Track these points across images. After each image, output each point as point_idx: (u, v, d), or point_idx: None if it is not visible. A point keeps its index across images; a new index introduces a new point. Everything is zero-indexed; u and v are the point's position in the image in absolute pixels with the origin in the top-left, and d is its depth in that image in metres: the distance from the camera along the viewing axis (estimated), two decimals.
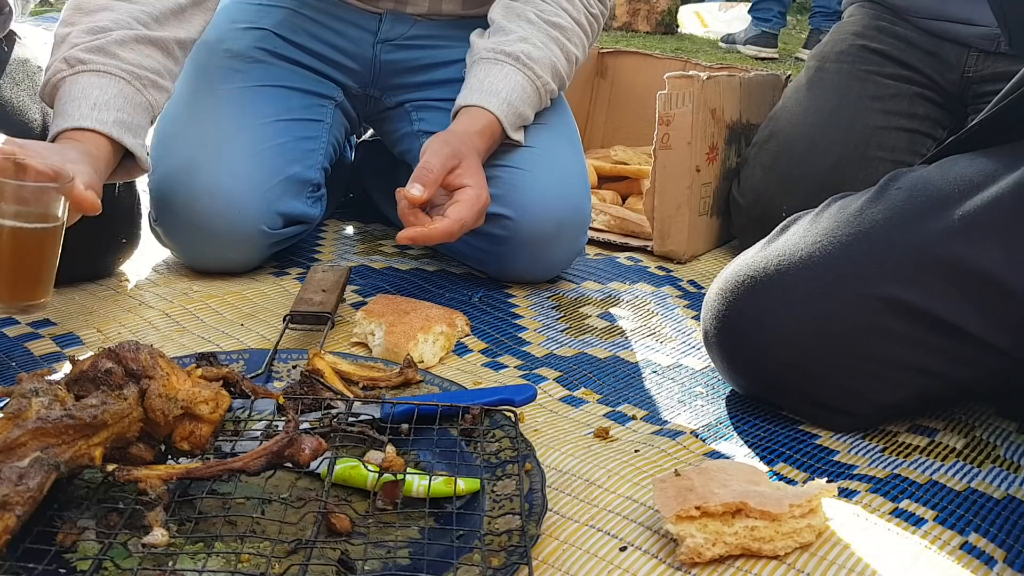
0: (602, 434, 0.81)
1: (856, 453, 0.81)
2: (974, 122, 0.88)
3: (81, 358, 0.85)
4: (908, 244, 0.80)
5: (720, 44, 4.06)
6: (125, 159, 0.94)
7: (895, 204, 0.83)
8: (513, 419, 0.75)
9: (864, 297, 0.80)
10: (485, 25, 1.15)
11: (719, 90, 1.38)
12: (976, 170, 0.82)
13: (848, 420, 0.85)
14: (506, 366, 0.96)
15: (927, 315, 0.78)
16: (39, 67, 1.09)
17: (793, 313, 0.83)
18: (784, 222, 0.91)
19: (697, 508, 0.61)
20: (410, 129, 1.27)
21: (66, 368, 0.85)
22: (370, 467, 0.68)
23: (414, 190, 0.95)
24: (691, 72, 1.33)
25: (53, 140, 0.89)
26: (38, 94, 0.97)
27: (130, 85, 0.93)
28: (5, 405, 0.63)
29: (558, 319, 1.10)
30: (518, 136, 1.10)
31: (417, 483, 0.68)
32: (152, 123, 0.99)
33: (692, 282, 1.28)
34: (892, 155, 1.32)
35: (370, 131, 1.51)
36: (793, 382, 0.85)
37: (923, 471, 0.79)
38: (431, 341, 0.96)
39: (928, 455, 0.82)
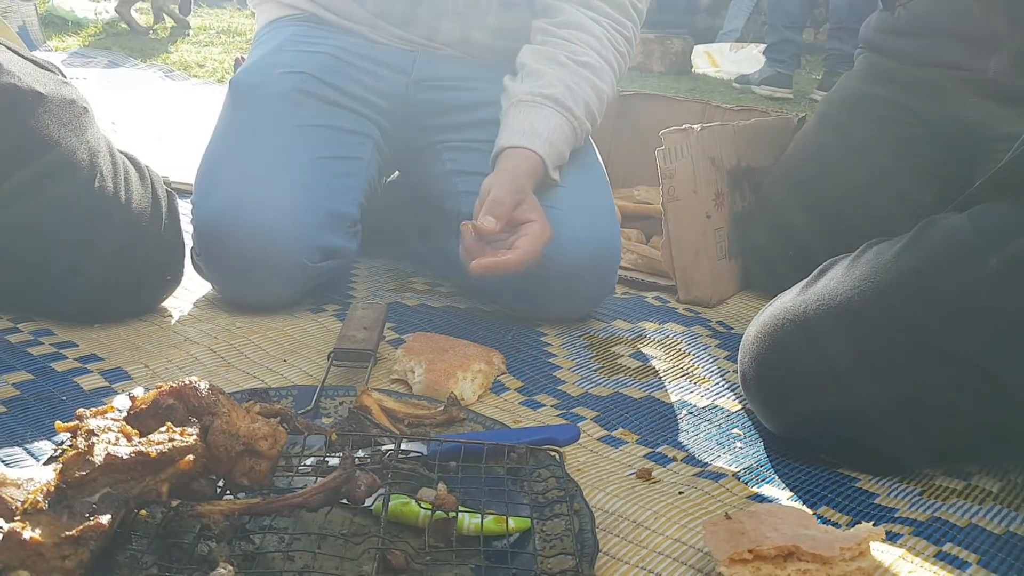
0: (645, 475, 0.82)
1: (896, 496, 0.82)
2: (996, 168, 0.89)
3: (134, 392, 0.87)
4: (944, 291, 0.81)
5: (734, 84, 4.11)
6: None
7: (930, 252, 0.84)
8: (558, 459, 0.77)
9: (901, 343, 0.82)
10: (514, 66, 1.18)
11: (714, 139, 1.42)
12: (1008, 220, 0.83)
13: (885, 464, 0.86)
14: (543, 405, 0.98)
15: (964, 361, 0.80)
16: (84, 108, 1.11)
17: (832, 358, 0.85)
18: (821, 267, 0.93)
19: (750, 551, 0.62)
20: (442, 169, 1.30)
21: (119, 402, 0.87)
22: (423, 504, 0.69)
23: (487, 222, 0.99)
24: (685, 126, 1.37)
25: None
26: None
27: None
28: (73, 441, 0.64)
29: (591, 358, 1.12)
30: (556, 176, 1.13)
31: (468, 521, 0.69)
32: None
33: (721, 323, 1.30)
34: (897, 195, 1.35)
35: (396, 172, 1.53)
36: (832, 426, 0.86)
37: (962, 514, 0.79)
38: (470, 379, 0.97)
39: (966, 498, 0.83)
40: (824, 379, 0.85)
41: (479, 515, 0.69)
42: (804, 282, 0.92)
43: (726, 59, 4.90)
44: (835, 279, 0.88)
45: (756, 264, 1.42)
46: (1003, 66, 1.28)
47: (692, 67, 4.72)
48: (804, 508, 0.79)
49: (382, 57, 1.26)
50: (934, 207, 1.34)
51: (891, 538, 0.74)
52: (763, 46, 4.05)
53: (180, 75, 3.59)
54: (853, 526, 0.75)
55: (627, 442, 0.91)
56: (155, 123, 2.52)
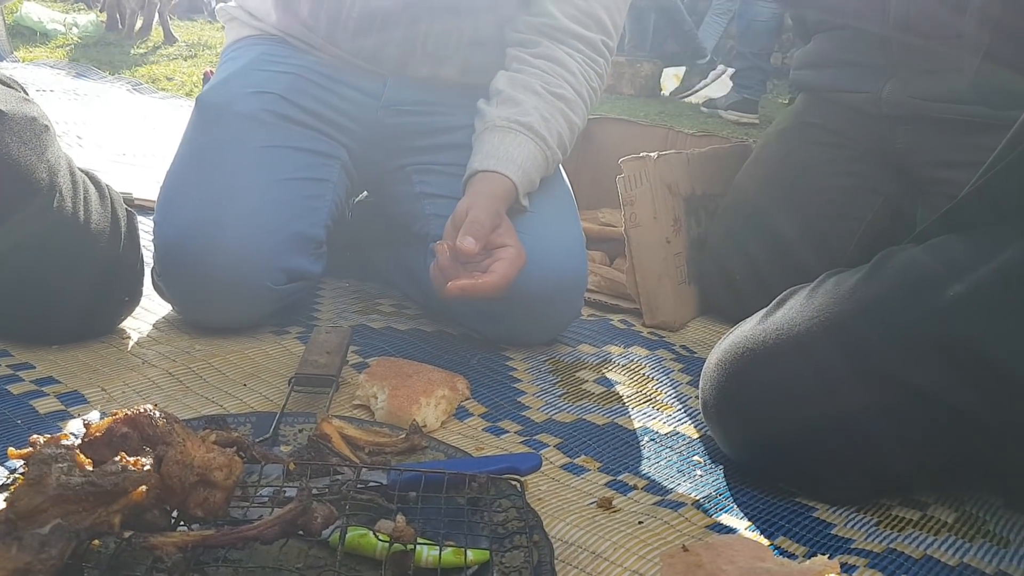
0: (605, 504, 0.82)
1: (852, 527, 0.83)
2: (952, 203, 0.91)
3: (88, 417, 0.85)
4: (902, 323, 0.82)
5: (702, 108, 4.16)
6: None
7: (888, 283, 0.86)
8: (519, 488, 0.77)
9: (859, 374, 0.83)
10: (485, 93, 1.18)
11: (670, 167, 1.45)
12: (966, 252, 0.85)
13: (843, 493, 0.87)
14: (507, 431, 0.98)
15: (920, 392, 0.81)
16: (46, 126, 1.10)
17: (790, 387, 0.86)
18: (780, 296, 0.94)
19: None
20: (410, 191, 1.30)
21: (74, 426, 0.86)
22: (380, 536, 0.69)
23: (467, 242, 0.99)
24: (642, 154, 1.40)
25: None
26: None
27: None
28: (26, 471, 0.63)
29: (556, 383, 1.12)
30: (526, 202, 1.13)
31: (426, 553, 0.68)
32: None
33: (685, 347, 1.31)
34: (837, 211, 1.39)
35: (364, 192, 1.53)
36: (789, 455, 0.87)
37: (917, 546, 0.80)
38: (433, 405, 0.97)
39: (921, 529, 0.84)
40: (782, 408, 0.86)
41: (437, 547, 0.68)
42: (764, 311, 0.93)
43: None
44: (794, 309, 0.89)
45: (712, 289, 1.45)
46: (896, 91, 1.33)
47: (661, 90, 4.76)
48: (762, 539, 0.80)
49: (352, 80, 1.26)
50: (877, 224, 1.38)
51: (847, 570, 0.74)
52: (732, 70, 4.11)
53: (148, 88, 3.56)
54: (810, 557, 0.75)
55: (589, 470, 0.91)
56: (121, 138, 2.49)
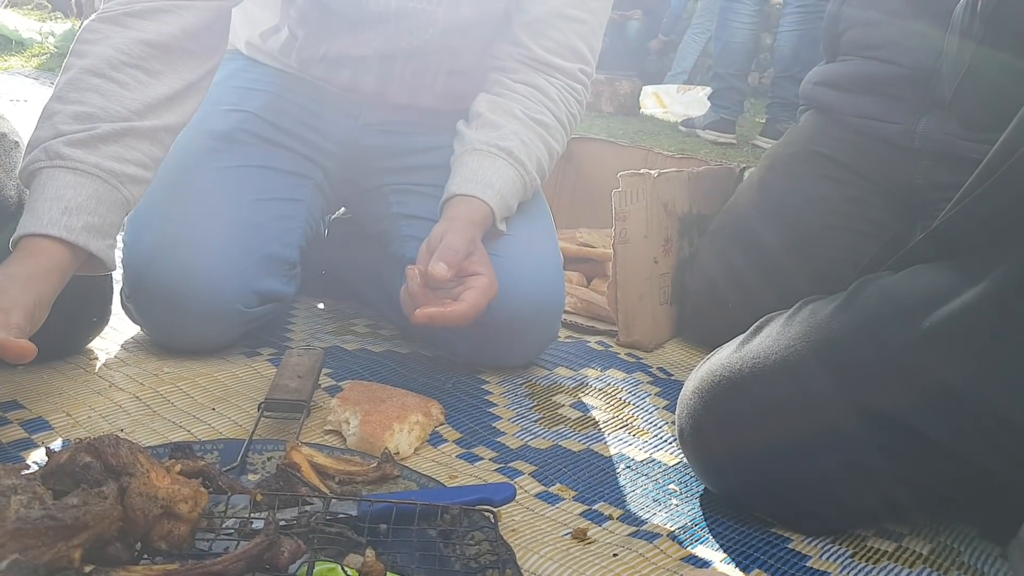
0: (580, 535, 0.81)
1: (828, 559, 0.83)
2: (931, 228, 0.91)
3: (52, 446, 0.83)
4: (877, 353, 0.82)
5: (680, 127, 4.18)
6: (91, 257, 0.90)
7: (864, 312, 0.86)
8: (492, 520, 0.75)
9: (835, 403, 0.82)
10: (466, 115, 1.17)
11: (669, 185, 1.44)
12: (941, 282, 0.85)
13: (818, 524, 0.87)
14: (481, 458, 0.96)
15: (895, 422, 0.80)
16: (16, 142, 1.08)
17: (766, 416, 0.85)
18: (757, 323, 0.94)
19: None
20: (387, 212, 1.28)
21: (37, 455, 0.84)
22: (349, 572, 0.67)
23: (439, 268, 0.97)
24: (643, 171, 1.39)
25: (17, 240, 0.86)
26: (16, 173, 0.96)
27: (106, 184, 0.89)
28: None
29: (532, 408, 1.11)
30: (503, 227, 1.12)
31: None
32: (127, 214, 0.96)
33: (662, 369, 1.30)
34: (835, 254, 1.36)
35: (342, 209, 1.52)
36: (765, 484, 0.87)
37: None
38: (407, 431, 0.96)
39: (896, 561, 0.83)
40: (759, 436, 0.85)
41: None
42: (741, 338, 0.93)
43: (674, 100, 4.99)
44: (771, 337, 0.88)
45: (698, 307, 1.43)
46: (932, 127, 1.31)
47: (640, 108, 4.79)
48: (737, 571, 0.79)
49: (328, 100, 1.25)
50: (876, 265, 1.37)
51: None
52: (710, 89, 4.13)
53: None
54: None
55: (564, 499, 0.90)
56: None
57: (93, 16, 1.00)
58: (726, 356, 0.91)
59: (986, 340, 0.80)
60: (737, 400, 0.87)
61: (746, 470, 0.87)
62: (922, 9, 1.31)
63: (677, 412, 0.95)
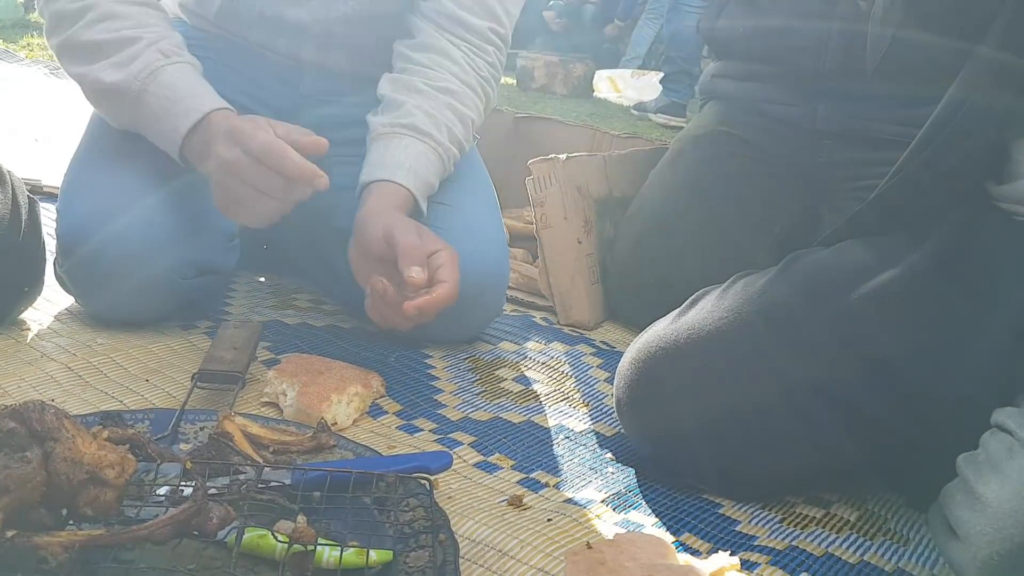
0: (516, 502, 0.82)
1: (756, 524, 0.84)
2: (860, 206, 0.93)
3: None
4: (807, 324, 0.84)
5: (632, 111, 4.20)
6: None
7: (795, 285, 0.87)
8: (428, 487, 0.75)
9: (765, 373, 0.84)
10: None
11: (582, 168, 1.45)
12: (869, 256, 0.87)
13: (748, 490, 0.88)
14: (421, 429, 0.97)
15: (824, 392, 0.82)
16: None
17: (700, 386, 0.87)
18: (693, 296, 0.95)
19: None
20: (331, 184, 1.27)
21: None
22: (279, 537, 0.67)
23: (415, 272, 0.95)
24: (551, 156, 1.40)
25: (201, 119, 1.00)
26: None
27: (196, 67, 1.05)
28: None
29: (474, 381, 1.11)
30: (424, 206, 1.11)
31: (328, 554, 0.67)
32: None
33: (605, 342, 1.31)
34: (746, 229, 1.38)
35: None
36: (698, 452, 0.88)
37: (819, 543, 0.82)
38: (345, 403, 0.95)
39: (824, 527, 0.85)
40: (691, 405, 0.87)
41: (339, 548, 0.67)
42: (677, 311, 0.94)
43: (627, 85, 5.01)
44: (705, 309, 0.90)
45: (617, 293, 1.44)
46: (829, 109, 1.35)
47: (594, 91, 4.80)
48: (667, 535, 0.80)
49: (268, 68, 1.23)
50: (785, 237, 1.39)
51: (748, 567, 0.75)
52: (662, 74, 4.16)
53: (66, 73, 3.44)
54: (713, 553, 0.76)
55: (502, 468, 0.90)
56: (35, 123, 2.40)
57: None
58: (662, 328, 0.92)
59: (912, 313, 0.82)
60: (672, 370, 0.88)
61: (678, 438, 0.88)
62: (796, 10, 1.34)
63: (615, 383, 0.96)
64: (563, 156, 1.39)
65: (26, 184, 1.14)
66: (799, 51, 1.34)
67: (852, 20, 1.26)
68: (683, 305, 0.94)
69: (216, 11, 1.21)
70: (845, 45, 1.29)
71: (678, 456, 0.90)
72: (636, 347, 0.93)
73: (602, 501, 0.85)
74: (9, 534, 0.61)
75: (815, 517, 0.87)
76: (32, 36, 4.34)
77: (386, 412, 1.00)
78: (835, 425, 0.83)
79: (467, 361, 1.17)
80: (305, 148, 0.95)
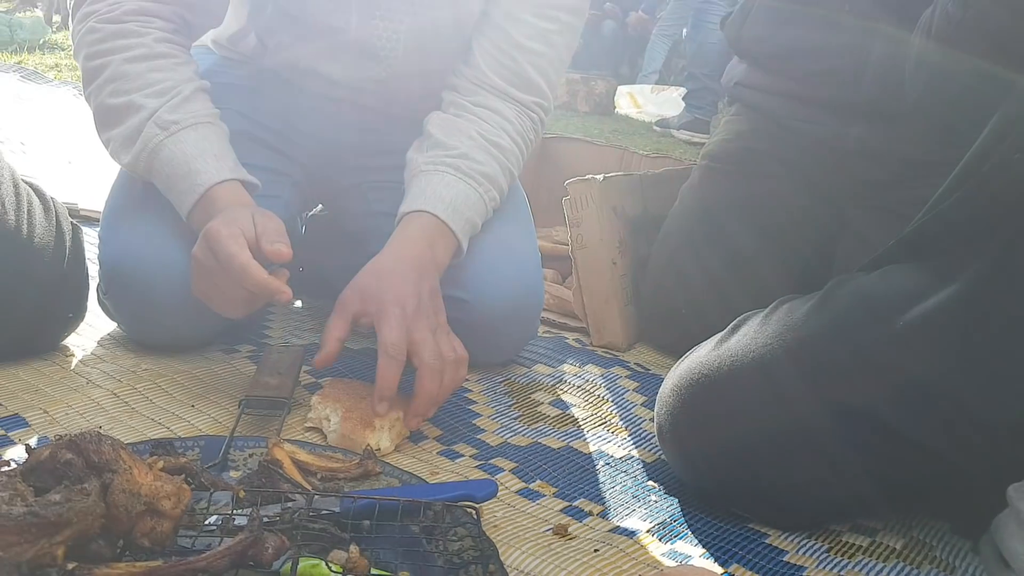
0: (561, 531, 0.82)
1: (804, 553, 0.84)
2: (906, 231, 0.92)
3: (30, 442, 0.82)
4: (851, 352, 0.84)
5: (655, 127, 4.20)
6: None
7: (839, 311, 0.87)
8: (475, 516, 0.76)
9: (810, 400, 0.84)
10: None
11: (618, 188, 1.45)
12: (913, 283, 0.87)
13: (795, 519, 0.88)
14: (462, 455, 0.97)
15: (870, 419, 0.82)
16: None
17: (744, 413, 0.86)
18: (735, 322, 0.95)
19: None
20: (366, 209, 1.28)
21: (14, 452, 0.83)
22: (333, 567, 0.67)
23: (380, 407, 0.93)
24: (588, 176, 1.40)
25: (198, 200, 1.00)
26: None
27: (216, 126, 1.05)
28: None
29: (511, 405, 1.12)
30: (467, 244, 1.09)
31: None
32: None
33: (639, 364, 1.31)
34: (777, 252, 1.36)
35: (319, 206, 1.51)
36: (743, 480, 0.88)
37: (867, 573, 0.81)
38: (387, 428, 0.96)
39: (871, 556, 0.85)
40: (736, 433, 0.87)
41: None
42: (719, 336, 0.94)
43: (648, 100, 5.03)
44: (748, 335, 0.90)
45: (649, 314, 1.43)
46: (865, 132, 1.32)
47: (615, 108, 4.81)
48: (716, 566, 0.80)
49: (305, 101, 1.24)
50: (817, 262, 1.37)
51: None
52: (683, 89, 4.16)
53: None
54: None
55: (545, 495, 0.90)
56: (66, 144, 2.43)
57: (88, 14, 1.05)
58: (704, 354, 0.92)
59: (957, 339, 0.82)
60: (715, 398, 0.88)
61: (723, 467, 0.88)
62: (832, 21, 1.32)
63: (656, 410, 0.96)
64: (600, 176, 1.39)
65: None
66: (832, 76, 1.33)
67: (891, 44, 1.25)
68: (725, 331, 0.94)
69: (251, 53, 1.22)
70: (883, 73, 1.28)
71: (722, 484, 0.90)
72: (678, 373, 0.93)
73: (648, 531, 0.85)
74: (70, 566, 0.61)
75: (861, 546, 0.87)
76: (60, 56, 4.40)
77: (427, 437, 1.00)
78: (881, 452, 0.82)
79: (503, 384, 1.18)
80: (269, 257, 0.94)
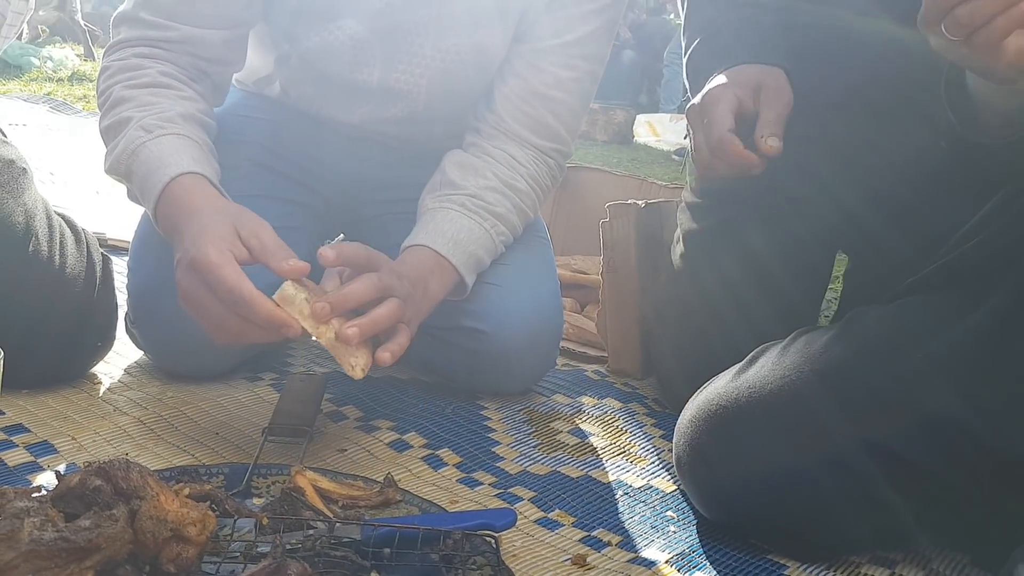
0: (580, 561, 0.82)
1: None
2: (945, 259, 0.91)
3: (59, 468, 0.84)
4: (871, 385, 0.84)
5: (673, 156, 4.22)
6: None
7: (858, 344, 0.87)
8: (494, 545, 0.76)
9: (828, 433, 0.84)
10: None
11: (659, 215, 1.45)
12: (932, 314, 0.87)
13: (813, 550, 0.88)
14: (481, 483, 0.98)
15: (888, 453, 0.82)
16: (24, 168, 1.09)
17: (763, 445, 0.87)
18: (753, 353, 0.96)
19: None
20: (388, 241, 1.29)
21: (43, 478, 0.85)
22: None
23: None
24: (630, 201, 1.40)
25: (163, 189, 0.95)
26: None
27: (203, 145, 1.02)
28: None
29: (530, 433, 1.12)
30: (470, 281, 1.09)
31: None
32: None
33: (657, 400, 1.31)
34: (782, 280, 1.22)
35: (340, 236, 1.53)
36: (762, 511, 0.88)
37: None
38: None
39: (875, 566, 0.85)
40: (754, 466, 0.87)
41: None
42: (737, 368, 0.94)
43: (666, 129, 5.05)
44: (766, 367, 0.90)
45: (657, 343, 1.33)
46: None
47: (634, 136, 4.84)
48: None
49: (327, 135, 1.26)
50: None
51: None
52: None
53: None
54: None
55: (563, 524, 0.91)
56: (95, 175, 2.47)
57: (118, 44, 1.07)
58: (723, 386, 0.93)
59: (977, 371, 0.82)
60: (734, 428, 0.89)
61: (742, 497, 0.88)
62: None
63: (674, 441, 0.96)
64: (641, 202, 1.40)
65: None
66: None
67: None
68: (743, 362, 0.94)
69: (276, 97, 1.25)
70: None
71: (741, 515, 0.90)
72: (696, 404, 0.94)
73: (666, 561, 0.85)
74: None
75: (855, 561, 0.86)
76: (88, 88, 4.49)
77: (446, 464, 1.01)
78: (901, 485, 0.82)
79: (522, 413, 1.19)
80: (285, 275, 0.88)
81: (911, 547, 0.92)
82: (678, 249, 1.28)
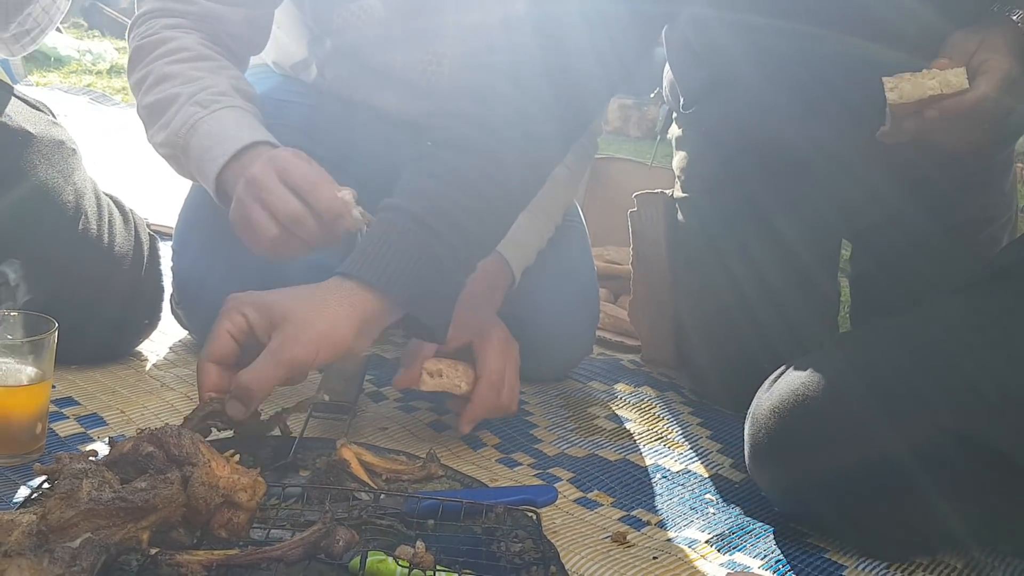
0: (619, 539, 0.83)
1: (863, 570, 0.84)
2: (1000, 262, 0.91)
3: (113, 437, 0.86)
4: (963, 375, 0.81)
5: None
6: None
7: (945, 328, 0.85)
8: (535, 520, 0.77)
9: (922, 425, 0.81)
10: None
11: None
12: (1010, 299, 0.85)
13: (884, 550, 0.86)
14: (520, 463, 0.98)
15: (980, 445, 0.79)
16: (73, 149, 1.12)
17: (852, 436, 0.83)
18: (837, 340, 0.94)
19: None
20: None
21: (98, 447, 0.87)
22: (400, 562, 0.69)
23: (466, 429, 0.98)
24: (658, 190, 1.38)
25: (227, 161, 0.97)
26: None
27: (254, 113, 1.03)
28: (54, 484, 0.64)
29: (567, 418, 1.13)
30: (519, 277, 1.11)
31: None
32: None
33: (694, 390, 1.31)
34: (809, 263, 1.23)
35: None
36: (842, 505, 0.85)
37: None
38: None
39: (931, 572, 0.85)
40: (842, 457, 0.83)
41: (456, 574, 0.69)
42: (821, 355, 0.91)
43: None
44: (848, 358, 0.88)
45: (687, 336, 1.32)
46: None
47: (668, 133, 4.82)
48: None
49: (362, 118, 1.27)
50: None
51: None
52: None
53: None
54: None
55: (602, 504, 0.91)
56: (135, 163, 2.51)
57: (144, 16, 1.09)
58: (807, 375, 0.88)
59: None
60: (822, 419, 0.85)
61: (826, 488, 0.85)
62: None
63: (750, 431, 0.91)
64: (669, 191, 1.39)
65: None
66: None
67: None
68: (825, 349, 0.93)
69: (312, 81, 1.26)
70: None
71: (820, 508, 0.87)
72: (777, 394, 0.89)
73: (706, 542, 0.85)
74: (153, 551, 0.64)
75: (922, 563, 0.86)
76: (127, 80, 4.55)
77: (485, 444, 1.02)
78: (989, 480, 0.80)
79: (559, 398, 1.19)
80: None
81: (978, 552, 0.89)
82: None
